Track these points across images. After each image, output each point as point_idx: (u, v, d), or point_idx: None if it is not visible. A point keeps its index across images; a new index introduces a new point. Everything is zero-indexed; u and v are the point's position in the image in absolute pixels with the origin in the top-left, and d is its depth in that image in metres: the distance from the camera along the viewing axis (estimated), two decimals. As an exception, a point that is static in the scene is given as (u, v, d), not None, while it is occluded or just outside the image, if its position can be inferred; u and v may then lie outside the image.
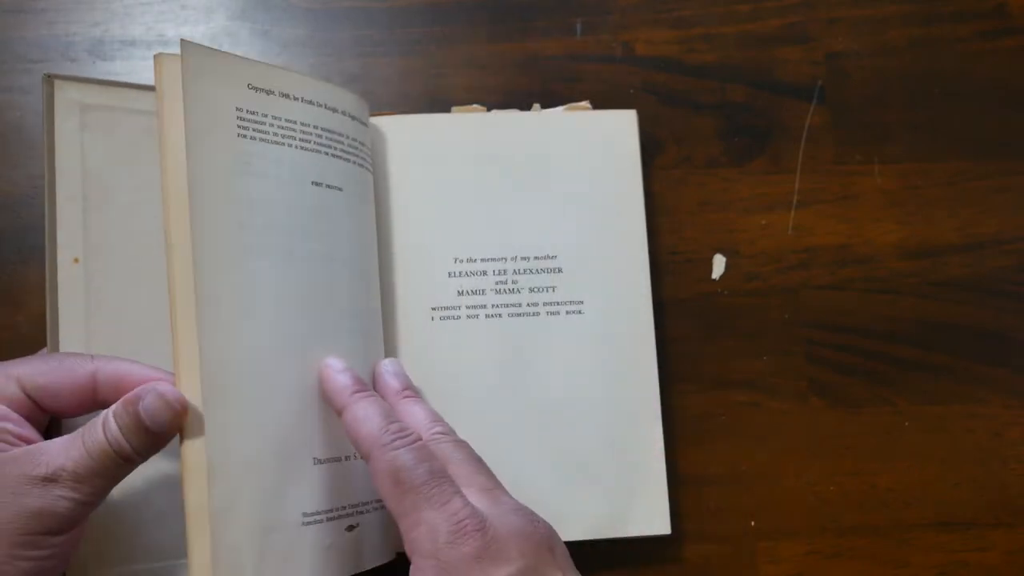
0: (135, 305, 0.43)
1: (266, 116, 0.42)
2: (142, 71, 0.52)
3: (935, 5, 0.55)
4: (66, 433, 0.38)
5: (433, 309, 0.48)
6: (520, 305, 0.48)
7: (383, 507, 0.43)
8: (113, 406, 0.37)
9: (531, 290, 0.49)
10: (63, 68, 0.51)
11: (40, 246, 0.43)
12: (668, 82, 0.54)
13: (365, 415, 0.39)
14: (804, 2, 0.55)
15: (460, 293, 0.48)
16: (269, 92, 0.42)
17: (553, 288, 0.49)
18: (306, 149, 0.43)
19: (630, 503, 0.46)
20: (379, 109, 0.51)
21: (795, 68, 0.54)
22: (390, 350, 0.47)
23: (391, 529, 0.44)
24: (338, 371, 0.41)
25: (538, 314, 0.48)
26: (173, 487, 0.40)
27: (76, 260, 0.42)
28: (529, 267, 0.49)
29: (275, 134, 0.42)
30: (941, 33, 0.55)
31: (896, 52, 0.55)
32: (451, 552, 0.35)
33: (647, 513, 0.44)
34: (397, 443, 0.38)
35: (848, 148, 0.54)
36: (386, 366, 0.44)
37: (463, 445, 0.40)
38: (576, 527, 0.46)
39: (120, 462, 0.36)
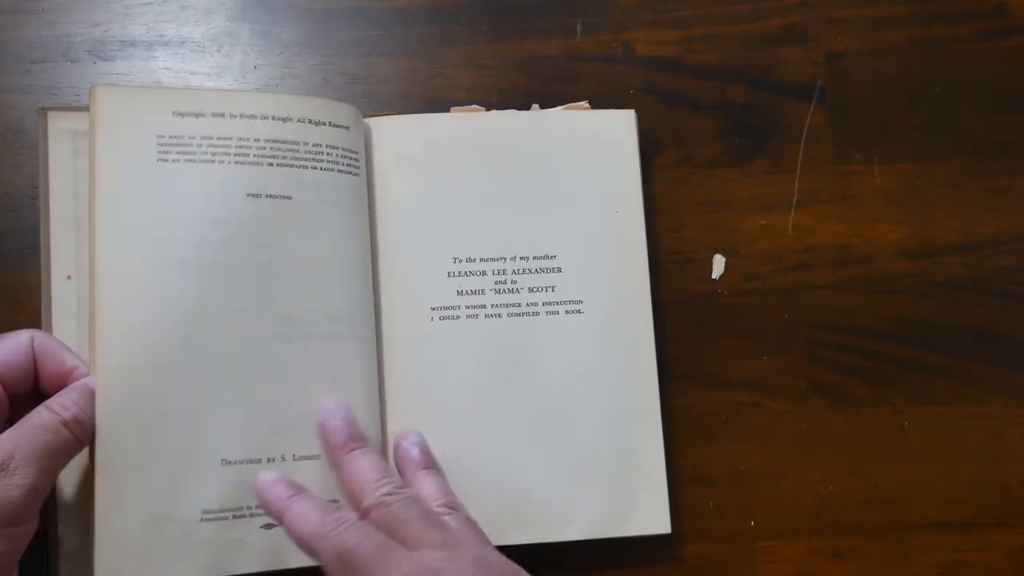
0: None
1: (194, 138, 0.44)
2: (142, 71, 0.52)
3: (935, 5, 0.55)
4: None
5: (432, 309, 0.48)
6: (520, 305, 0.48)
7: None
8: (59, 392, 0.40)
9: (531, 290, 0.49)
10: (63, 68, 0.51)
11: (40, 246, 0.45)
12: (668, 82, 0.54)
13: (300, 512, 0.40)
14: (804, 2, 0.55)
15: (459, 293, 0.48)
16: (199, 115, 0.45)
17: (553, 288, 0.49)
18: (243, 163, 0.45)
19: (630, 503, 0.45)
20: (379, 109, 0.51)
21: (795, 68, 0.54)
22: (390, 350, 0.47)
23: None
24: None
25: (538, 314, 0.48)
26: None
27: (69, 277, 0.45)
28: (528, 267, 0.49)
29: (204, 153, 0.44)
30: (941, 33, 0.55)
31: (896, 52, 0.55)
32: None
33: (647, 513, 0.44)
34: (339, 529, 0.39)
35: (848, 148, 0.54)
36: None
37: (416, 502, 0.41)
38: (576, 527, 0.46)
39: (72, 440, 0.39)
